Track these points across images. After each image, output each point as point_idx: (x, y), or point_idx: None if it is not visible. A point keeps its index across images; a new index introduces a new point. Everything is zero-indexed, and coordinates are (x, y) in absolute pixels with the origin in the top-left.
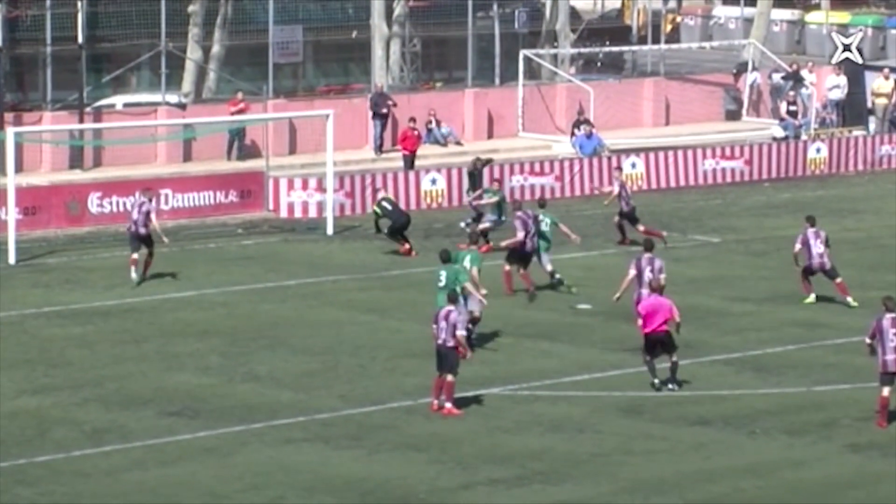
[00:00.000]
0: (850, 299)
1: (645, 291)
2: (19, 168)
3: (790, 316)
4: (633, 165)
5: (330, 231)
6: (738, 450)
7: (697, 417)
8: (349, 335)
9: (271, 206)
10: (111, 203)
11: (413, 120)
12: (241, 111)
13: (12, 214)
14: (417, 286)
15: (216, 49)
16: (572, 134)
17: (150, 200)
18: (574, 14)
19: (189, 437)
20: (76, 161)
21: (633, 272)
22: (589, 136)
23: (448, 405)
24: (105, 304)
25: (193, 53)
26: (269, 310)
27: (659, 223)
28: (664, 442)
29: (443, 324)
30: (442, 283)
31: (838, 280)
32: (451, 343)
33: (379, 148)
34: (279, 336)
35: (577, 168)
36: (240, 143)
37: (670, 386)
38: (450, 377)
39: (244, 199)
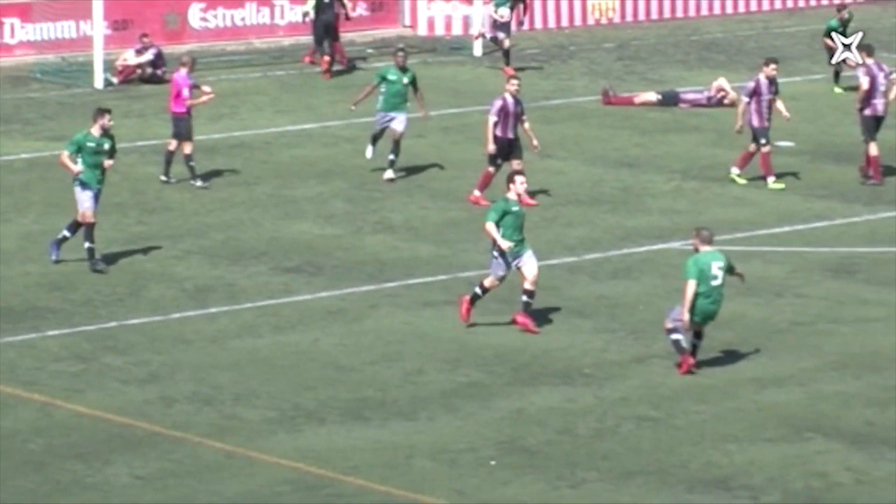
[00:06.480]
0: None
1: (880, 102)
2: None
3: None
4: None
5: (478, 52)
6: None
7: None
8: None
9: (408, 22)
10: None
11: None
12: None
13: None
14: (581, 118)
15: None
16: None
17: None
18: None
19: (309, 298)
20: None
21: (867, 81)
22: None
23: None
24: (211, 138)
25: None
26: (404, 146)
27: None
28: (881, 308)
29: None
30: None
31: None
32: None
33: None
34: (416, 178)
35: None
36: None
37: None
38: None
39: (375, 13)
